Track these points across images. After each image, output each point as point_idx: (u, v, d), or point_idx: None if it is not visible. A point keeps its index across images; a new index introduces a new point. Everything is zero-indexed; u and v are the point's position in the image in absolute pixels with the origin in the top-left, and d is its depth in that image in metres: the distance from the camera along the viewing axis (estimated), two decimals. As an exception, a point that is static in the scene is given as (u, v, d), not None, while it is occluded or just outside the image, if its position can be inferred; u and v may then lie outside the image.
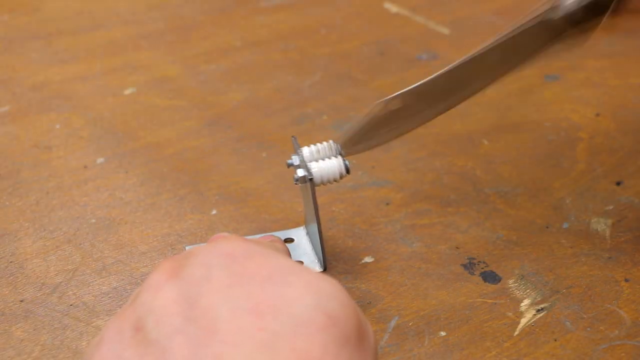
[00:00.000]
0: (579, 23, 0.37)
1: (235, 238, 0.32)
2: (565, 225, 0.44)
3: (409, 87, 0.40)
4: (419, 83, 0.40)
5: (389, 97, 0.40)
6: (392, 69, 0.62)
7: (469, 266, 0.42)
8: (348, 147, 0.41)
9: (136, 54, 0.65)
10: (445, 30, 0.68)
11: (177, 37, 0.67)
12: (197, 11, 0.72)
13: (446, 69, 0.39)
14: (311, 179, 0.39)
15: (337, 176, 0.39)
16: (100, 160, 0.51)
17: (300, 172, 0.39)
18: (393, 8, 0.73)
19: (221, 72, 0.62)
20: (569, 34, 0.38)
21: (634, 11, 0.39)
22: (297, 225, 0.45)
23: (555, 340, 0.37)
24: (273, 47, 0.66)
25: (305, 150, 0.40)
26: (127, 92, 0.59)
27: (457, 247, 0.43)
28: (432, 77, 0.40)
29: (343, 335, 0.28)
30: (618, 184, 0.48)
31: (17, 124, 0.55)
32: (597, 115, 0.55)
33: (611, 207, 0.46)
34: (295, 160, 0.40)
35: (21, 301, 0.40)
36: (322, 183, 0.39)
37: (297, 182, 0.39)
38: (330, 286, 0.30)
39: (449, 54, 0.64)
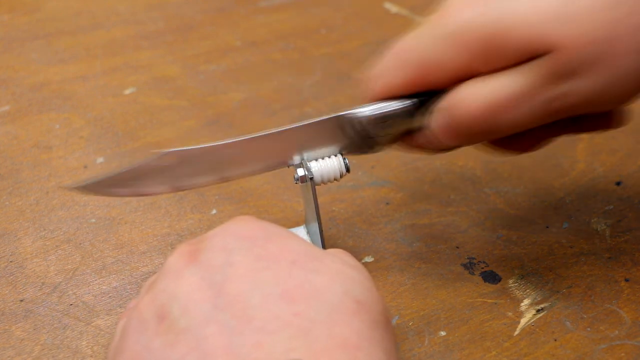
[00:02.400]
0: (367, 133, 0.38)
1: (248, 219, 0.32)
2: (565, 225, 0.44)
3: (191, 147, 0.38)
4: (203, 145, 0.38)
5: (165, 150, 0.38)
6: (392, 69, 0.62)
7: (469, 266, 0.42)
8: (104, 186, 0.38)
9: (136, 54, 0.65)
10: (445, 31, 0.68)
11: (177, 37, 0.68)
12: (196, 11, 0.72)
13: (238, 138, 0.38)
14: (311, 178, 0.39)
15: (338, 175, 0.39)
16: (100, 160, 0.51)
17: (301, 172, 0.39)
18: (393, 8, 0.73)
19: (221, 72, 0.62)
20: (359, 139, 0.39)
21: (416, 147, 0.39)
22: (296, 225, 0.45)
23: (555, 340, 0.37)
24: (273, 47, 0.66)
25: None
26: (127, 92, 0.59)
27: (457, 247, 0.43)
28: (220, 143, 0.38)
29: (373, 320, 0.28)
30: (618, 184, 0.48)
31: (17, 124, 0.55)
32: (597, 115, 0.55)
33: (611, 207, 0.46)
34: (295, 159, 0.40)
35: (21, 301, 0.40)
36: (323, 182, 0.39)
37: (298, 182, 0.39)
38: (355, 272, 0.30)
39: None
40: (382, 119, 0.38)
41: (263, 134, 0.38)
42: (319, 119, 0.38)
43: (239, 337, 0.26)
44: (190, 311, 0.27)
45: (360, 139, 0.39)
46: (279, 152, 0.39)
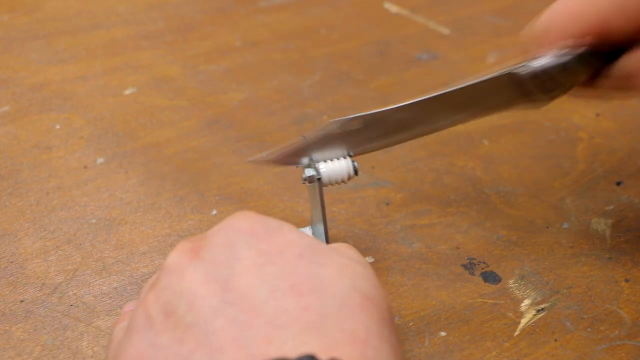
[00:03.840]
0: (542, 85, 0.37)
1: (249, 214, 0.32)
2: (565, 225, 0.44)
3: (370, 111, 0.39)
4: (381, 109, 0.39)
5: (348, 116, 0.39)
6: (392, 69, 0.63)
7: (469, 266, 0.42)
8: (291, 157, 0.40)
9: (136, 54, 0.65)
10: (445, 30, 0.68)
11: (177, 37, 0.67)
12: (196, 11, 0.72)
13: (411, 101, 0.39)
14: (319, 179, 0.39)
15: (345, 177, 0.39)
16: (100, 160, 0.51)
17: (309, 172, 0.39)
18: (393, 8, 0.73)
19: (221, 72, 0.62)
20: (533, 93, 0.38)
21: (614, 87, 0.38)
22: (296, 225, 0.44)
23: (556, 340, 0.37)
24: (273, 47, 0.66)
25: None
26: (127, 92, 0.59)
27: (457, 247, 0.43)
28: (396, 106, 0.39)
29: (380, 315, 0.28)
30: (618, 184, 0.48)
31: (17, 124, 0.55)
32: (597, 115, 0.55)
33: (611, 207, 0.46)
34: (304, 160, 0.40)
35: (21, 301, 0.40)
36: (330, 183, 0.39)
37: (305, 182, 0.39)
38: (361, 267, 0.30)
39: (449, 54, 0.64)
40: (554, 71, 0.37)
41: (439, 92, 0.38)
42: (490, 76, 0.38)
43: (248, 331, 0.26)
44: (197, 306, 0.27)
45: (533, 89, 0.38)
46: (451, 111, 0.39)
